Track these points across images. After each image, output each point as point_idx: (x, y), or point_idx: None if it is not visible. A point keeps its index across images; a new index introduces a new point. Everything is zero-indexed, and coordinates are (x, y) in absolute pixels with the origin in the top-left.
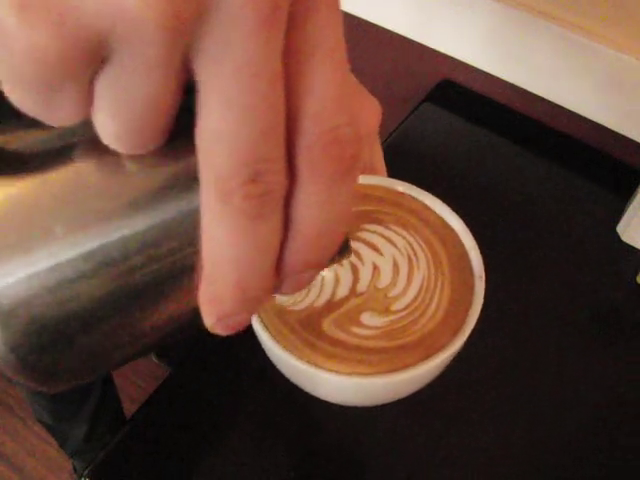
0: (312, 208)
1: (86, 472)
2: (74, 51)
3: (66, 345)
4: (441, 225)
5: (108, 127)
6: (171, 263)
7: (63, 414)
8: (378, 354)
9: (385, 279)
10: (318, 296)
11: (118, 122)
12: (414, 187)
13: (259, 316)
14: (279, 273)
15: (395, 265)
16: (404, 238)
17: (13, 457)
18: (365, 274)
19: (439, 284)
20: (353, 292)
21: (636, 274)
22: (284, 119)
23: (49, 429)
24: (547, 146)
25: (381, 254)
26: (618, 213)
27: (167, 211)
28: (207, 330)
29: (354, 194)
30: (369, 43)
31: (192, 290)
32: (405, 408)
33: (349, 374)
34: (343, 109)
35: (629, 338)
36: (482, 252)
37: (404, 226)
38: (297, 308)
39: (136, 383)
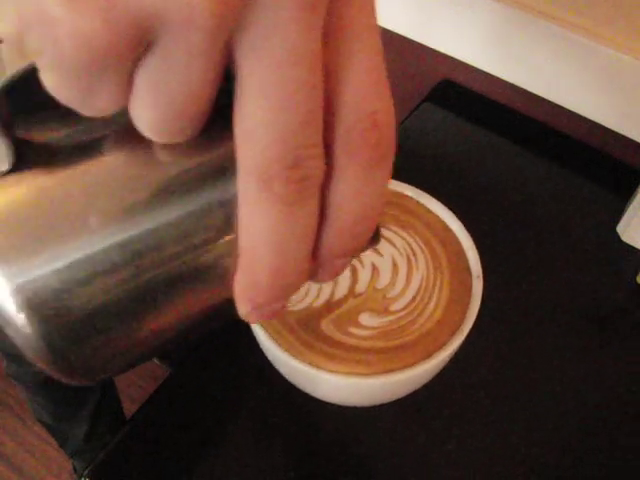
0: (349, 194)
1: (86, 472)
2: (121, 36)
3: (98, 337)
4: (440, 226)
5: (146, 116)
6: (206, 252)
7: (63, 414)
8: (376, 354)
9: (384, 280)
10: (317, 297)
11: (157, 111)
12: (413, 188)
13: None
14: (314, 260)
15: (394, 265)
16: (403, 239)
17: (13, 457)
18: (364, 275)
19: (437, 284)
20: (352, 293)
21: (636, 274)
22: (323, 105)
23: (49, 429)
24: (547, 146)
25: (380, 254)
26: (618, 213)
27: (202, 200)
28: (238, 320)
29: (389, 180)
30: None
31: (226, 279)
32: (404, 408)
33: (347, 374)
34: (380, 94)
35: (629, 338)
36: (481, 252)
37: (403, 227)
38: (296, 308)
39: (136, 383)
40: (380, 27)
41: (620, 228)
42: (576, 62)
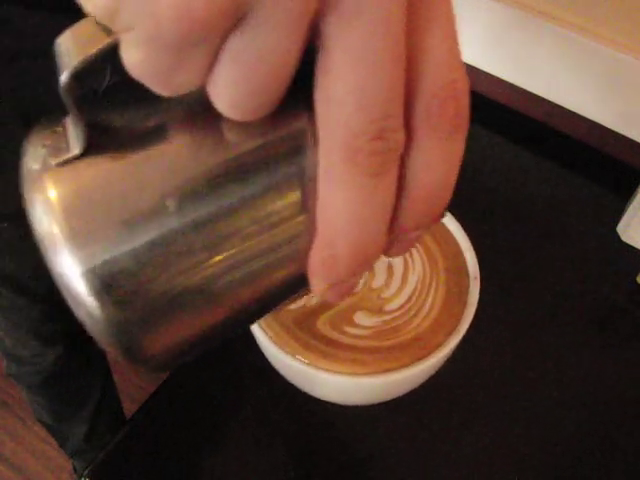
0: (427, 166)
1: (86, 472)
2: (219, 8)
3: (172, 321)
4: (437, 227)
5: (228, 93)
6: (282, 230)
7: (63, 414)
8: (371, 354)
9: (379, 279)
10: (312, 297)
11: (240, 86)
12: None
13: None
14: (389, 234)
15: (390, 266)
16: None
17: (13, 457)
18: None
19: (434, 285)
20: None
21: (636, 274)
22: (404, 75)
23: (49, 429)
24: (547, 146)
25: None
26: (618, 213)
27: (278, 177)
28: (305, 294)
29: (462, 153)
30: None
31: (302, 257)
32: (404, 408)
33: (343, 374)
34: (457, 63)
35: (629, 338)
36: (480, 252)
37: None
38: (292, 307)
39: (136, 383)
40: None
41: (620, 228)
42: (576, 62)
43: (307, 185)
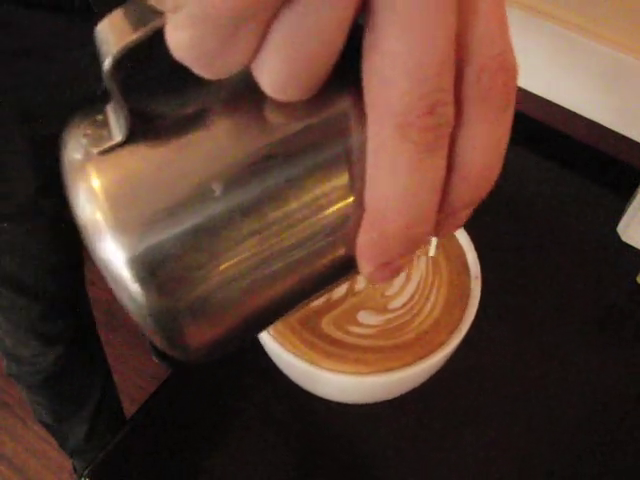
0: (477, 141)
1: (86, 472)
2: None
3: (217, 307)
4: None
5: (275, 73)
6: (330, 211)
7: (63, 414)
8: (375, 353)
9: None
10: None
11: (288, 65)
12: None
13: None
14: (438, 213)
15: None
16: None
17: (13, 457)
18: None
19: (436, 284)
20: (350, 291)
21: (636, 274)
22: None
23: (49, 429)
24: (547, 146)
25: None
26: (618, 213)
27: (326, 158)
28: (350, 275)
29: (510, 128)
30: None
31: (350, 237)
32: (406, 407)
33: (346, 373)
34: (505, 35)
35: (629, 338)
36: (481, 252)
37: None
38: None
39: (136, 383)
40: None
41: (620, 228)
42: (576, 62)
43: (356, 165)
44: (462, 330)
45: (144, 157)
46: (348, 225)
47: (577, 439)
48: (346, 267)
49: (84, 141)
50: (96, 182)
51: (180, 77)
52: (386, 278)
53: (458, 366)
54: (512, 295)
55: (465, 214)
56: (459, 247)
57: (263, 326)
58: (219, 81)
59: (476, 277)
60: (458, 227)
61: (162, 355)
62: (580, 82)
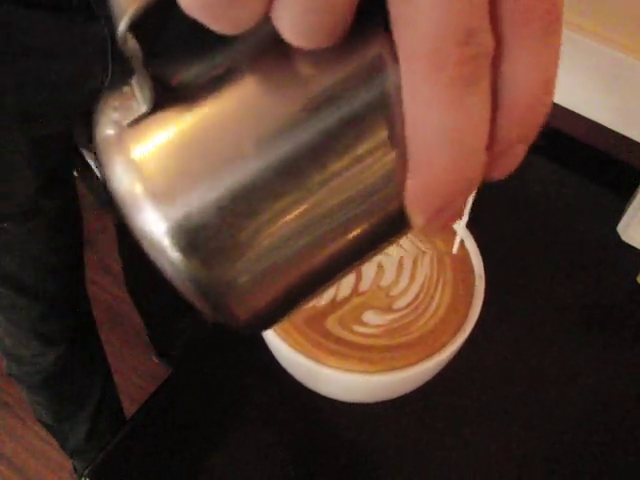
0: (524, 67)
1: (86, 472)
2: None
3: (262, 272)
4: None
5: (295, 18)
6: (371, 163)
7: (63, 414)
8: (380, 352)
9: (388, 278)
10: (321, 296)
11: (308, 8)
12: None
13: None
14: (489, 152)
15: (400, 264)
16: (409, 238)
17: (13, 457)
18: (368, 272)
19: (441, 283)
20: (355, 290)
21: (636, 274)
22: None
23: (49, 429)
24: (547, 146)
25: (387, 254)
26: (618, 213)
27: (360, 106)
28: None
29: (559, 56)
30: None
31: (396, 189)
32: (407, 406)
33: (351, 371)
34: None
35: (629, 338)
36: (482, 252)
37: None
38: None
39: (136, 383)
40: None
41: (620, 228)
42: (576, 62)
43: (393, 108)
44: (467, 329)
45: (174, 124)
46: (393, 174)
47: (577, 439)
48: (396, 223)
49: (113, 115)
50: (129, 153)
51: (201, 38)
52: (440, 228)
53: (459, 366)
54: (512, 295)
55: (520, 151)
56: (463, 247)
57: (310, 294)
58: (242, 38)
59: (480, 276)
60: (514, 166)
61: (162, 355)
62: (580, 82)
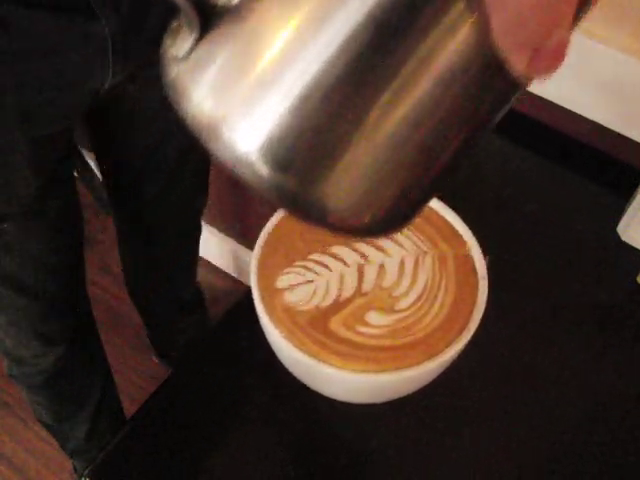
0: None
1: (86, 472)
2: None
3: (350, 169)
4: (446, 227)
5: None
6: (446, 11)
7: (63, 414)
8: (384, 352)
9: (390, 279)
10: (324, 297)
11: None
12: None
13: (269, 315)
14: None
15: (401, 265)
16: (411, 240)
17: (13, 457)
18: (370, 273)
19: (443, 284)
20: (358, 291)
21: (636, 274)
22: None
23: (49, 429)
24: (547, 146)
25: (389, 255)
26: (618, 213)
27: None
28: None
29: None
30: None
31: (482, 30)
32: (407, 407)
33: (355, 372)
34: None
35: (629, 338)
36: (484, 252)
37: (409, 227)
38: (306, 308)
39: (136, 383)
40: None
41: (620, 228)
42: (576, 62)
43: None
44: (471, 329)
45: (227, 43)
46: (476, 14)
47: (577, 439)
48: (498, 76)
49: (171, 52)
50: (194, 81)
51: None
52: (545, 68)
53: (459, 366)
54: (512, 295)
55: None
56: (466, 248)
57: (421, 194)
58: None
59: (483, 277)
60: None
61: (162, 355)
62: (581, 82)
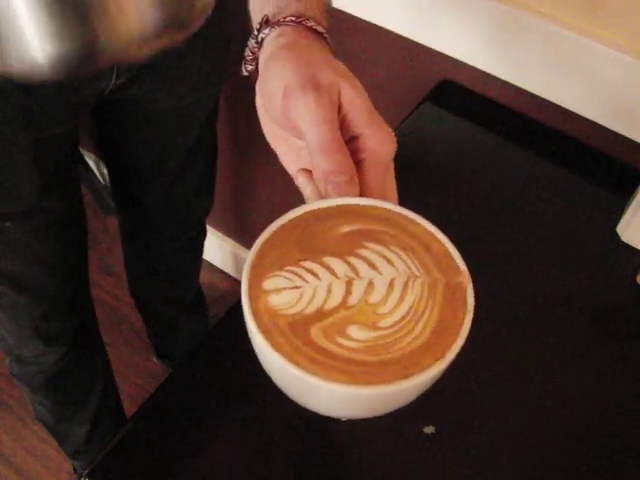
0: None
1: (86, 472)
2: None
3: None
4: (442, 253)
5: None
6: None
7: (65, 414)
8: (358, 366)
9: (377, 296)
10: (309, 303)
11: None
12: (418, 215)
13: (254, 318)
14: None
15: (391, 285)
16: (403, 261)
17: (13, 457)
18: (358, 288)
19: (429, 309)
20: (343, 304)
21: (636, 274)
22: None
23: (49, 429)
24: (547, 146)
25: (379, 273)
26: (618, 213)
27: None
28: None
29: None
30: (369, 43)
31: None
32: (405, 409)
33: (326, 379)
34: None
35: (629, 338)
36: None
37: (404, 249)
38: (289, 312)
39: (136, 383)
40: (380, 27)
41: (620, 228)
42: (576, 62)
43: None
44: (448, 358)
45: None
46: None
47: (577, 439)
48: None
49: None
50: None
51: None
52: None
53: (458, 367)
54: (512, 295)
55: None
56: (460, 277)
57: None
58: None
59: (470, 311)
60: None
61: (162, 355)
62: (580, 82)
